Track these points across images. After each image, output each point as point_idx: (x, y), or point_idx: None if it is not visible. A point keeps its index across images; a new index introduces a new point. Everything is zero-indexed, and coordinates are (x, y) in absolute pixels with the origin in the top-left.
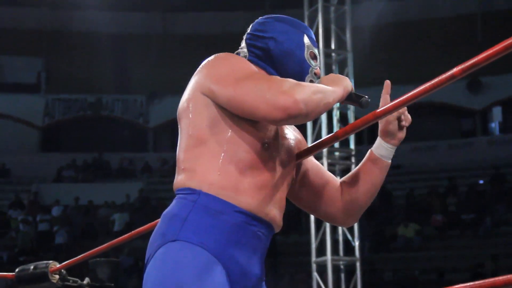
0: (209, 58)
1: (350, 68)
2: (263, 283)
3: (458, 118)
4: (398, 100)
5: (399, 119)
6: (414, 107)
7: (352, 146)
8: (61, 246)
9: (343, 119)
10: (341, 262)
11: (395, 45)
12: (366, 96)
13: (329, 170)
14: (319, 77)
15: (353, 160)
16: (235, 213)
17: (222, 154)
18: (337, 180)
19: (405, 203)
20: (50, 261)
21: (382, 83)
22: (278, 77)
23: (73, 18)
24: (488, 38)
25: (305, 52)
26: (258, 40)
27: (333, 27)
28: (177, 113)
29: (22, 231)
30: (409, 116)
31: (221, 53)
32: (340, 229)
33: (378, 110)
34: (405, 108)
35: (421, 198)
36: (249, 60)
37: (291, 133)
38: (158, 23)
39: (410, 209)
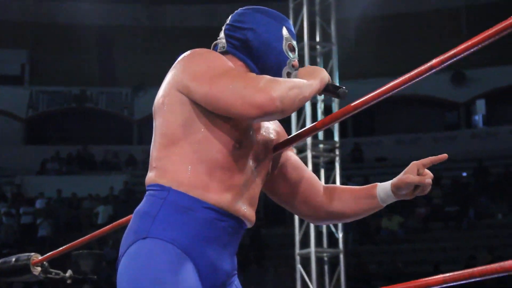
0: (185, 54)
1: (334, 61)
2: (235, 277)
3: (442, 111)
4: (378, 91)
5: (417, 186)
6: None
7: (336, 138)
8: (45, 238)
9: (328, 111)
10: (324, 254)
11: (381, 38)
12: (343, 87)
13: (313, 162)
14: (297, 69)
15: (337, 152)
16: (204, 209)
17: (193, 154)
18: (318, 180)
19: None
20: (32, 254)
21: (367, 76)
22: (254, 74)
23: (58, 10)
24: (473, 31)
25: (284, 44)
26: (237, 31)
27: (318, 19)
28: (153, 109)
29: (5, 224)
30: (428, 188)
31: (197, 49)
32: None
33: (357, 102)
34: (429, 181)
35: None
36: (227, 50)
37: (269, 127)
38: (144, 15)
39: (394, 202)
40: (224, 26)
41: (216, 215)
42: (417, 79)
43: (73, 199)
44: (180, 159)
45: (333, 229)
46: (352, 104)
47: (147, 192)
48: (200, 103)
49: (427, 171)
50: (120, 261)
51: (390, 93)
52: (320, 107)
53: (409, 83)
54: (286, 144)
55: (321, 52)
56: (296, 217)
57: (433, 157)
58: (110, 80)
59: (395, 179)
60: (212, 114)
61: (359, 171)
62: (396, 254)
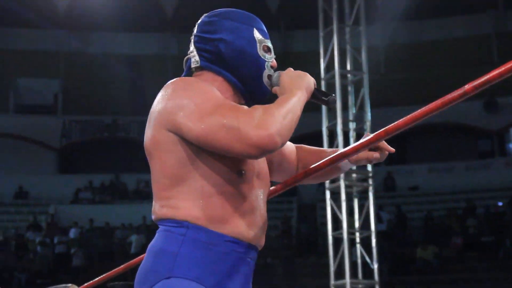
0: (168, 89)
1: (366, 89)
2: None
3: (475, 139)
4: (411, 115)
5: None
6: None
7: (369, 167)
8: (78, 268)
9: (360, 139)
10: (360, 286)
11: (411, 65)
12: (333, 94)
13: (346, 192)
14: (275, 69)
15: (370, 182)
16: (225, 243)
17: (202, 189)
18: (293, 146)
19: (423, 225)
20: (69, 284)
21: (397, 104)
22: (245, 108)
23: (90, 40)
24: (504, 58)
25: (258, 47)
26: (207, 42)
27: (348, 48)
28: (145, 147)
29: (40, 253)
30: (379, 157)
31: (179, 81)
32: (358, 251)
33: (389, 126)
34: (377, 155)
35: (440, 220)
36: (201, 66)
37: None
38: (173, 44)
39: (429, 231)
40: (192, 38)
41: (236, 247)
42: (450, 105)
43: (106, 228)
44: (190, 196)
45: (368, 259)
46: (384, 129)
47: (161, 227)
48: (195, 143)
49: (384, 145)
50: None
51: (423, 118)
52: (353, 136)
53: (442, 109)
54: (317, 169)
55: (352, 80)
56: (330, 247)
57: (384, 144)
58: (141, 109)
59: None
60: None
61: (391, 199)
62: (431, 285)
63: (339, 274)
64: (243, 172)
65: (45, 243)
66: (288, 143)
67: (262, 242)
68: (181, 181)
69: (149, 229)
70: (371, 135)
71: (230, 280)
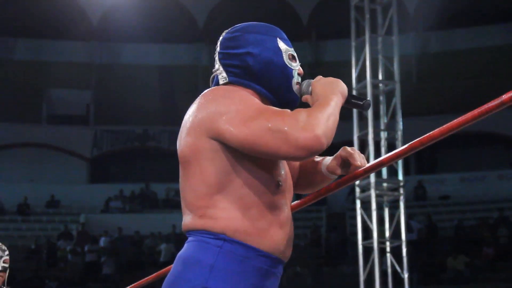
0: (207, 97)
1: (397, 99)
2: None
3: (508, 148)
4: (446, 126)
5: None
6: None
7: (400, 177)
8: (108, 276)
9: (391, 148)
10: None
11: (442, 74)
12: (368, 98)
13: (377, 201)
14: (302, 77)
15: (401, 191)
16: (260, 257)
17: (241, 199)
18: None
19: (454, 235)
20: None
21: (429, 113)
22: (288, 111)
23: (121, 51)
24: None
25: (284, 56)
26: (234, 58)
27: (380, 57)
28: (181, 155)
29: (71, 261)
30: (354, 167)
31: (217, 90)
32: (388, 260)
33: (423, 137)
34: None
35: (471, 229)
36: (230, 81)
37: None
38: (204, 54)
39: (460, 241)
40: (216, 55)
41: (270, 263)
42: (487, 115)
43: (136, 237)
44: (229, 206)
45: (398, 269)
46: (419, 139)
47: (195, 238)
48: (238, 148)
49: (352, 155)
50: None
51: (458, 129)
52: (384, 145)
53: (479, 119)
54: (354, 179)
55: (383, 90)
56: (360, 256)
57: (354, 155)
58: (171, 119)
59: (327, 160)
60: (250, 157)
61: (422, 209)
62: None
63: (369, 283)
64: (280, 183)
65: (76, 251)
66: None
67: (289, 254)
68: (220, 190)
69: (178, 238)
70: (400, 148)
71: None
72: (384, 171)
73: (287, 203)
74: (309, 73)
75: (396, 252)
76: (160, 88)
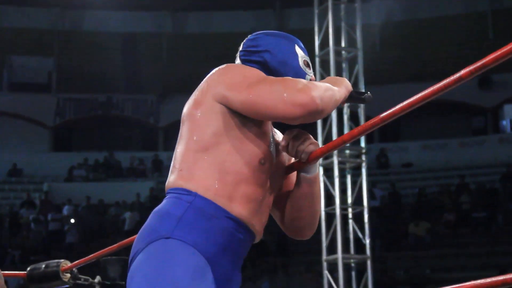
0: (220, 67)
1: (360, 66)
2: None
3: (469, 116)
4: (406, 102)
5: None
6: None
7: (362, 144)
8: (72, 245)
9: (354, 117)
10: (352, 260)
11: (405, 43)
12: (368, 92)
13: (339, 168)
14: None
15: (363, 158)
16: (226, 219)
17: (222, 163)
18: None
19: (416, 202)
20: (62, 260)
21: (392, 81)
22: (290, 78)
23: (84, 18)
24: (499, 36)
25: (299, 61)
26: (253, 55)
27: (343, 25)
28: (183, 113)
29: (34, 230)
30: (292, 153)
31: (231, 64)
32: (350, 227)
33: (385, 114)
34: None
35: (432, 196)
36: None
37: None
38: (169, 22)
39: (421, 207)
40: (238, 53)
41: (236, 226)
42: (446, 90)
43: (100, 205)
44: (208, 166)
45: (360, 235)
46: (381, 116)
47: (169, 195)
48: (239, 110)
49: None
50: (135, 257)
51: (418, 105)
52: (346, 113)
53: (438, 94)
54: (318, 156)
55: (346, 57)
56: (323, 223)
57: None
58: (135, 87)
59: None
60: (244, 128)
61: (385, 177)
62: (424, 260)
63: (331, 249)
64: (263, 162)
65: (39, 220)
66: None
67: (260, 233)
68: (205, 149)
69: (142, 206)
70: (362, 125)
71: (223, 254)
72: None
73: (267, 185)
74: None
75: (359, 218)
76: (123, 56)
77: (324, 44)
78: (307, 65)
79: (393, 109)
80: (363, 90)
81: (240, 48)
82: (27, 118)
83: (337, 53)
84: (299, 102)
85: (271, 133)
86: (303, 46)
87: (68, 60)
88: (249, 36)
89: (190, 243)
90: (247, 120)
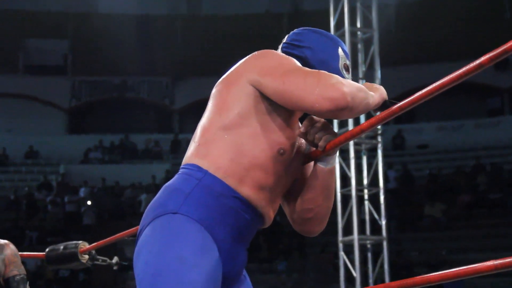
0: (258, 51)
1: (375, 47)
2: (244, 269)
3: (485, 97)
4: (426, 90)
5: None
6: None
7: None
8: (89, 226)
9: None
10: (368, 241)
11: (420, 23)
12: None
13: (355, 149)
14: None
15: (379, 139)
16: (234, 198)
17: (240, 145)
18: None
19: (431, 183)
20: (80, 242)
21: (407, 62)
22: (325, 72)
23: (99, 0)
24: None
25: (340, 63)
26: (295, 49)
27: (358, 5)
28: (213, 90)
29: (51, 212)
30: (309, 141)
31: (268, 50)
32: (366, 208)
33: (403, 102)
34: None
35: (448, 177)
36: None
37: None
38: (183, 5)
39: (437, 189)
40: (281, 44)
41: (243, 207)
42: (466, 77)
43: (116, 187)
44: (226, 145)
45: (376, 216)
46: (399, 104)
47: (181, 171)
48: (271, 96)
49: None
50: (143, 230)
51: (436, 93)
52: None
53: (457, 82)
54: (337, 145)
55: (362, 38)
56: (339, 204)
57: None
58: (150, 69)
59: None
60: (271, 115)
61: (400, 158)
62: (439, 242)
63: (347, 230)
64: (282, 152)
65: (56, 202)
66: None
67: (270, 216)
68: (228, 127)
69: (158, 188)
70: (384, 111)
71: (229, 232)
72: (362, 118)
73: (282, 175)
74: (289, 22)
75: (374, 199)
76: (138, 38)
77: (339, 25)
78: (347, 69)
79: (411, 97)
80: (398, 102)
81: (284, 40)
82: (43, 100)
83: (353, 34)
84: (330, 96)
85: (296, 126)
86: (346, 50)
87: (83, 43)
88: (295, 30)
89: (196, 219)
90: (276, 107)
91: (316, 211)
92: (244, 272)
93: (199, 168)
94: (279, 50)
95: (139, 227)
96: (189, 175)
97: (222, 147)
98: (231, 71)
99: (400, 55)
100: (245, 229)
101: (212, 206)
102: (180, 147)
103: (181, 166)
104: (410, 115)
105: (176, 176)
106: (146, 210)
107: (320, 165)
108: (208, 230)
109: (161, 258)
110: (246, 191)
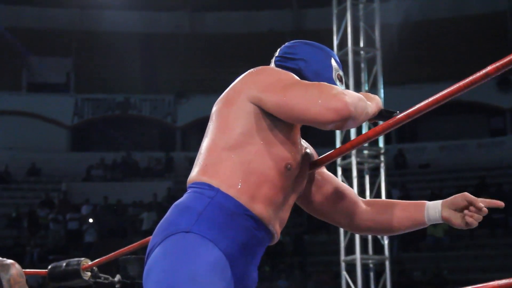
0: (255, 68)
1: (378, 66)
2: None
3: (488, 117)
4: (432, 98)
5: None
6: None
7: (381, 144)
8: (90, 244)
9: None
10: (370, 261)
11: (424, 43)
12: (398, 111)
13: (358, 168)
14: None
15: (382, 158)
16: (247, 217)
17: (247, 164)
18: (350, 189)
19: None
20: (82, 259)
21: (410, 82)
22: (326, 83)
23: (102, 18)
24: None
25: (333, 73)
26: (288, 61)
27: (361, 24)
28: (213, 110)
29: (52, 230)
30: (471, 224)
31: (265, 66)
32: None
33: (410, 110)
34: (478, 204)
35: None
36: None
37: (309, 152)
38: (186, 23)
39: None
40: (274, 58)
41: (255, 225)
42: (473, 87)
43: (118, 205)
44: (234, 165)
45: (378, 236)
46: (406, 112)
47: (191, 189)
48: (272, 111)
49: (474, 211)
50: (154, 249)
51: (444, 101)
52: None
53: (465, 90)
54: (338, 154)
55: (365, 57)
56: None
57: (489, 200)
58: (153, 87)
59: (445, 200)
60: (274, 131)
61: (402, 177)
62: (441, 261)
63: (350, 250)
64: (290, 167)
65: (57, 219)
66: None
67: (278, 234)
68: (233, 148)
69: (160, 206)
70: (392, 119)
71: (242, 251)
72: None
73: (290, 189)
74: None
75: None
76: (141, 56)
77: (342, 44)
78: (340, 80)
79: (418, 105)
80: (395, 111)
81: (276, 54)
82: (45, 118)
83: (356, 53)
84: (333, 107)
85: (299, 139)
86: (338, 60)
87: (86, 60)
88: (286, 43)
89: (209, 238)
90: (278, 123)
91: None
92: None
93: (210, 187)
94: (272, 64)
95: (148, 246)
96: (200, 193)
97: (230, 166)
98: (230, 89)
99: (403, 74)
100: (257, 247)
101: (225, 224)
102: (181, 165)
103: (189, 185)
104: (412, 134)
105: (186, 195)
106: (157, 228)
107: (425, 219)
108: (222, 249)
109: (173, 278)
110: (258, 208)
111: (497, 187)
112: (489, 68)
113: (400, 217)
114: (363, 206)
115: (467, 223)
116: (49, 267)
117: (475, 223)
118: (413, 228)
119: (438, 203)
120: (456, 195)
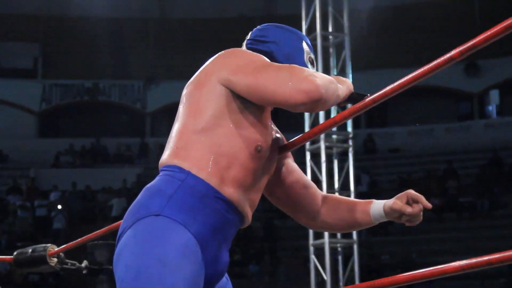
0: (226, 50)
1: (347, 51)
2: (226, 272)
3: (456, 102)
4: (397, 83)
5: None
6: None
7: (349, 129)
8: (59, 231)
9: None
10: (338, 245)
11: (392, 28)
12: (368, 94)
13: (327, 153)
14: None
15: (350, 143)
16: (217, 199)
17: (218, 146)
18: (315, 186)
19: (402, 187)
20: (49, 245)
21: (379, 67)
22: (297, 65)
23: (70, 3)
24: (487, 22)
25: (305, 56)
26: (260, 44)
27: (330, 9)
28: (184, 93)
29: (20, 217)
30: (416, 220)
31: (235, 48)
32: None
33: (376, 95)
34: (410, 210)
35: (419, 181)
36: None
37: (278, 136)
38: (156, 7)
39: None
40: (246, 41)
41: (226, 208)
42: (437, 71)
43: (87, 191)
44: (204, 147)
45: None
46: (371, 97)
47: (162, 172)
48: (243, 93)
49: (416, 204)
50: (124, 233)
51: (410, 85)
52: None
53: (429, 75)
54: (307, 138)
55: (333, 42)
56: None
57: (422, 197)
58: (122, 72)
59: (388, 201)
60: (244, 113)
61: (371, 162)
62: (410, 245)
63: (318, 234)
64: (260, 149)
65: (26, 206)
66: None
67: (249, 217)
68: (203, 130)
69: (130, 192)
70: (359, 103)
71: (213, 234)
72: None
73: (260, 171)
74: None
75: None
76: (110, 41)
77: (311, 29)
78: (312, 62)
79: (384, 90)
80: (366, 95)
81: (248, 37)
82: (13, 104)
83: (324, 38)
84: (304, 89)
85: (270, 122)
86: (310, 43)
87: (54, 46)
88: (258, 26)
89: (180, 222)
90: (249, 105)
91: (331, 230)
92: (226, 275)
93: (181, 169)
94: (244, 47)
95: (119, 230)
96: (171, 176)
97: (201, 149)
98: (200, 72)
99: (372, 60)
100: (228, 230)
101: (195, 207)
102: (151, 151)
103: (161, 168)
104: (381, 119)
105: (157, 178)
106: (127, 212)
107: (372, 219)
108: (192, 232)
109: (143, 261)
110: (228, 191)
111: (465, 171)
112: (453, 52)
113: (351, 217)
114: (321, 203)
115: (408, 220)
116: (15, 253)
117: (414, 222)
118: (362, 226)
119: (381, 203)
120: (392, 202)
